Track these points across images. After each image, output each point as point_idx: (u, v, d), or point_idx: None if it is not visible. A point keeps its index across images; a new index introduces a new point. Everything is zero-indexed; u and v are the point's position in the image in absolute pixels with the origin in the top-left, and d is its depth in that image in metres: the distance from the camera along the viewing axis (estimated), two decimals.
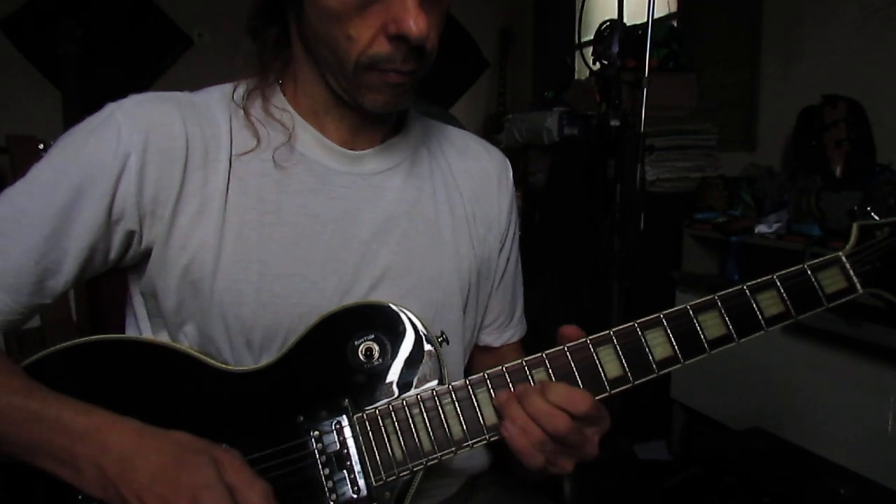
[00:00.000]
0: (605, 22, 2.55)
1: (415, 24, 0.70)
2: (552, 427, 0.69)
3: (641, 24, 2.48)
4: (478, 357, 1.02)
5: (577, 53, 3.62)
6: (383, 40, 0.72)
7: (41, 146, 2.12)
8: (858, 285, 0.76)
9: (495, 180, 0.98)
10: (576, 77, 3.58)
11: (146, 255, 0.79)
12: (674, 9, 3.20)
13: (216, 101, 0.83)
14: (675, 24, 3.11)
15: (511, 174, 1.01)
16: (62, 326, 1.76)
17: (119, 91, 0.82)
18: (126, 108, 0.77)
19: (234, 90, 0.84)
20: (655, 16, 2.42)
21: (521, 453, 0.70)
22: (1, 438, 0.68)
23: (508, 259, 1.01)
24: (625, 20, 2.53)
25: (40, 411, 0.67)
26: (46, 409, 0.67)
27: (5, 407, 0.67)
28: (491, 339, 1.03)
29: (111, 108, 0.78)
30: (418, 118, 0.95)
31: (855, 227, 0.78)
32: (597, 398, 0.73)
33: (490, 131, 4.22)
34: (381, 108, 0.79)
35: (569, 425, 0.69)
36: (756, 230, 2.22)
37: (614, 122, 2.41)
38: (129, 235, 0.78)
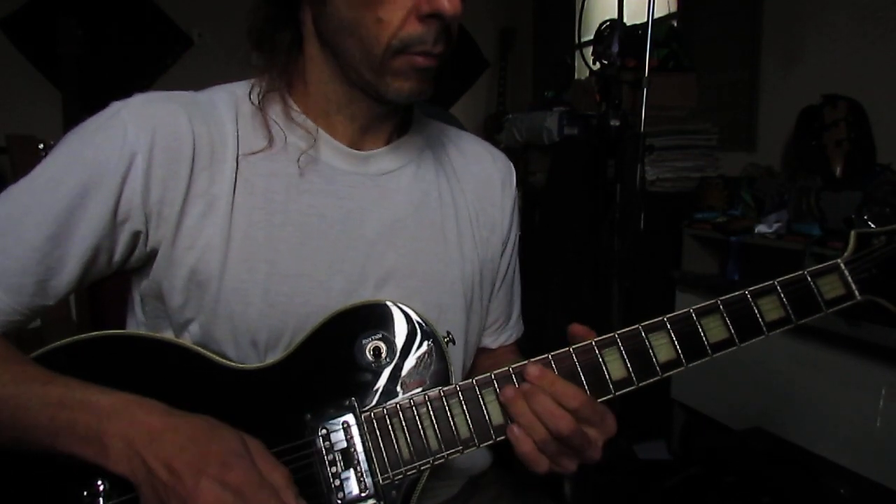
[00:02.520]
0: (605, 22, 2.55)
1: (448, 1, 0.70)
2: (555, 427, 0.70)
3: (641, 24, 2.48)
4: (475, 359, 1.02)
5: (577, 53, 3.62)
6: (414, 21, 0.73)
7: (41, 146, 2.12)
8: (857, 292, 0.78)
9: (499, 184, 0.99)
10: (576, 77, 3.58)
11: (151, 256, 0.79)
12: (674, 9, 3.20)
13: (222, 100, 0.83)
14: (675, 24, 3.11)
15: (514, 179, 1.02)
16: (62, 326, 1.76)
17: (119, 91, 0.82)
18: (132, 107, 0.77)
19: (250, 91, 0.84)
20: (655, 16, 2.42)
21: (527, 458, 0.71)
22: (17, 425, 0.68)
23: (509, 263, 1.02)
24: (625, 20, 2.53)
25: (63, 395, 0.67)
26: (70, 392, 0.67)
27: (24, 395, 0.68)
28: (488, 340, 1.04)
29: (117, 107, 0.77)
30: (424, 121, 0.96)
31: (853, 235, 0.80)
32: (601, 400, 0.74)
33: (490, 131, 4.21)
34: (406, 97, 0.79)
35: (571, 426, 0.70)
36: (756, 230, 2.22)
37: (614, 122, 2.41)
38: (135, 236, 0.78)
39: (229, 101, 0.83)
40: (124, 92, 0.79)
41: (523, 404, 0.71)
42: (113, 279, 0.84)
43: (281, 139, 0.82)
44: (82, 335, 0.75)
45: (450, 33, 0.75)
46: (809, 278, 0.77)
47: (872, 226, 0.81)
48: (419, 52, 0.75)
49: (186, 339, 0.81)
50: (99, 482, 0.69)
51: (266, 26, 0.83)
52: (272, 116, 0.83)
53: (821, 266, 0.78)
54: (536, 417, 0.71)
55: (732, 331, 0.75)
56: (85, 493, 0.69)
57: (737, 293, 0.76)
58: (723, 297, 0.76)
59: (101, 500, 0.69)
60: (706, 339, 0.75)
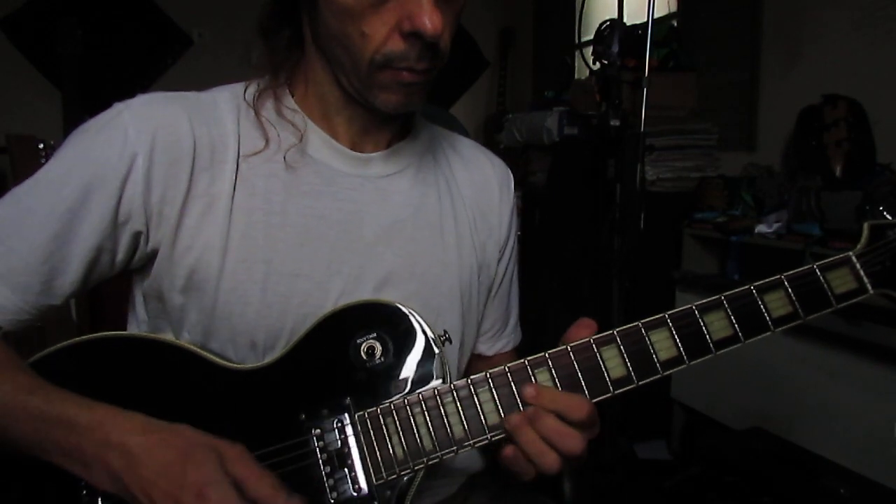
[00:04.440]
0: (605, 22, 2.55)
1: (429, 20, 0.70)
2: (566, 448, 0.69)
3: (641, 24, 2.48)
4: (471, 365, 1.01)
5: (577, 53, 3.62)
6: (397, 38, 0.72)
7: (41, 146, 2.12)
8: (869, 286, 0.75)
9: (497, 190, 0.99)
10: (576, 77, 3.58)
11: (152, 256, 0.79)
12: (674, 9, 3.20)
13: (224, 100, 0.83)
14: (675, 24, 3.12)
15: (512, 185, 1.02)
16: (62, 326, 1.76)
17: (119, 91, 0.82)
18: (134, 107, 0.77)
19: (245, 90, 0.84)
20: (655, 16, 2.41)
21: (517, 469, 0.71)
22: (8, 435, 0.67)
23: (507, 269, 1.01)
24: (625, 20, 2.53)
25: (44, 408, 0.66)
26: (49, 406, 0.66)
27: (10, 404, 0.67)
28: (484, 347, 1.03)
29: (119, 108, 0.77)
30: (425, 124, 0.95)
31: (866, 226, 0.77)
32: (600, 399, 0.73)
33: (490, 131, 4.22)
34: (394, 108, 0.79)
35: (582, 444, 0.69)
36: (756, 230, 2.23)
37: (614, 122, 2.42)
38: (137, 236, 0.78)
39: (232, 102, 0.83)
40: (124, 92, 0.80)
41: (531, 431, 0.70)
42: (113, 280, 0.84)
43: (275, 138, 0.82)
44: (80, 338, 0.75)
45: (436, 50, 0.74)
46: (819, 272, 0.75)
47: (888, 216, 0.78)
48: (403, 68, 0.74)
49: (186, 340, 0.81)
50: None
51: (268, 20, 0.83)
52: (264, 115, 0.82)
53: (831, 259, 0.75)
54: (545, 441, 0.69)
55: (737, 327, 0.73)
56: (84, 492, 0.69)
57: (741, 289, 0.74)
58: (727, 293, 0.74)
59: (99, 499, 0.69)
60: (709, 336, 0.73)
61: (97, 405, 0.67)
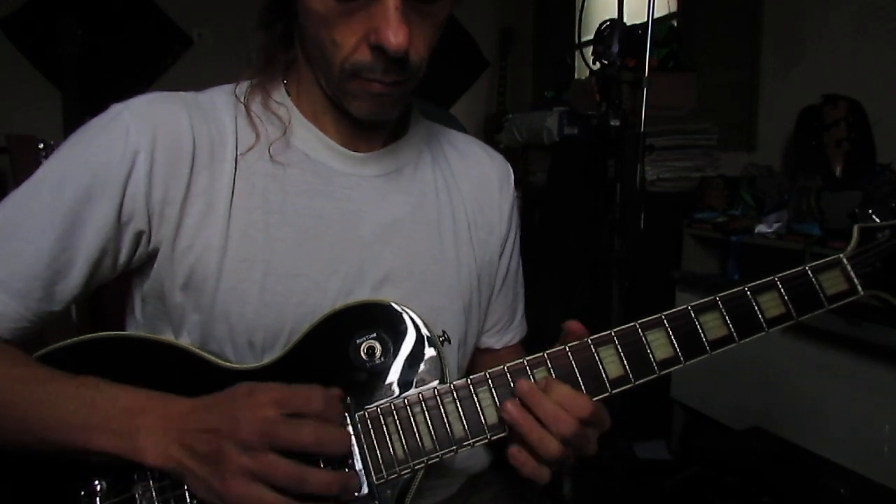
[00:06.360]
0: (605, 22, 2.55)
1: (394, 36, 0.69)
2: (557, 430, 0.69)
3: (641, 24, 2.48)
4: (479, 359, 1.02)
5: (577, 53, 3.62)
6: (365, 48, 0.72)
7: (41, 146, 2.12)
8: (859, 287, 0.76)
9: (497, 185, 0.99)
10: (576, 77, 3.58)
11: (153, 256, 0.79)
12: (674, 9, 3.20)
13: (222, 100, 0.83)
14: (675, 24, 3.12)
15: (512, 179, 1.02)
16: (62, 327, 1.76)
17: (119, 91, 0.82)
18: (133, 107, 0.77)
19: (237, 87, 0.84)
20: (655, 16, 2.41)
21: (531, 476, 0.71)
22: (46, 426, 0.68)
23: (509, 264, 1.01)
24: (625, 20, 2.53)
25: (95, 398, 0.68)
26: (100, 394, 0.69)
27: (55, 393, 0.69)
28: (492, 341, 1.04)
29: (118, 109, 0.77)
30: (422, 122, 0.95)
31: (856, 229, 0.79)
32: (598, 398, 0.73)
33: (490, 131, 4.22)
34: (367, 116, 0.79)
35: (574, 429, 0.69)
36: (756, 230, 2.23)
37: (614, 122, 2.42)
38: (139, 236, 0.78)
39: (229, 101, 0.83)
40: (124, 92, 0.80)
41: (530, 418, 0.70)
42: (113, 280, 0.84)
43: (263, 132, 0.82)
44: (80, 337, 0.75)
45: (405, 65, 0.73)
46: (811, 274, 0.76)
47: (877, 220, 0.80)
48: (372, 79, 0.74)
49: (185, 339, 0.81)
50: (96, 482, 0.69)
51: (265, 14, 0.84)
52: (253, 109, 0.83)
53: (822, 261, 0.77)
54: (540, 423, 0.70)
55: (732, 328, 0.74)
56: (82, 493, 0.69)
57: (736, 289, 0.75)
58: (721, 294, 0.75)
59: (98, 500, 0.69)
60: (705, 336, 0.74)
61: (145, 390, 0.70)
